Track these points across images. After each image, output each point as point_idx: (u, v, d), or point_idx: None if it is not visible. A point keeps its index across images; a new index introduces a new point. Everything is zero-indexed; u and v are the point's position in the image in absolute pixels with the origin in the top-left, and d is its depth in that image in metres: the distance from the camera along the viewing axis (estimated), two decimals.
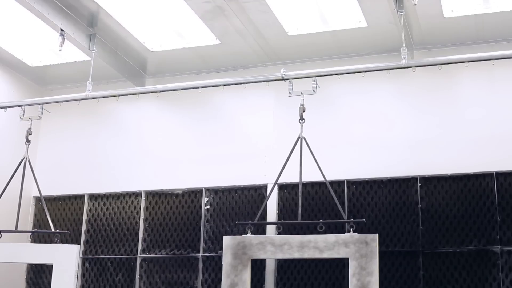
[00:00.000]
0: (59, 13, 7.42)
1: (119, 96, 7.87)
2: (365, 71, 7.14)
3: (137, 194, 8.91)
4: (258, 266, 7.99)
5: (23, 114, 7.96)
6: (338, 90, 8.22)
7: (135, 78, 8.94)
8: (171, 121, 9.02)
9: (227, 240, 6.59)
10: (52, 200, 9.25)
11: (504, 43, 7.78)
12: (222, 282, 6.44)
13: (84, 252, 8.90)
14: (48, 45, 8.26)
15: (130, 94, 7.99)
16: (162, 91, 7.83)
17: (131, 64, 8.76)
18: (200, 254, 8.36)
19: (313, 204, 8.06)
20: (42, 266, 9.03)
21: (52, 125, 9.45)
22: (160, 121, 9.05)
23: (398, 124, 7.98)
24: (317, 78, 7.08)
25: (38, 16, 7.30)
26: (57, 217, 9.19)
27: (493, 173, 7.48)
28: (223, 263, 6.49)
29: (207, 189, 8.60)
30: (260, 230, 8.00)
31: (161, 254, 8.55)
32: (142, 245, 8.68)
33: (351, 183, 8.00)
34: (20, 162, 7.72)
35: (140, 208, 8.83)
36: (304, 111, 6.98)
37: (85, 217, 9.09)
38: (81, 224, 9.08)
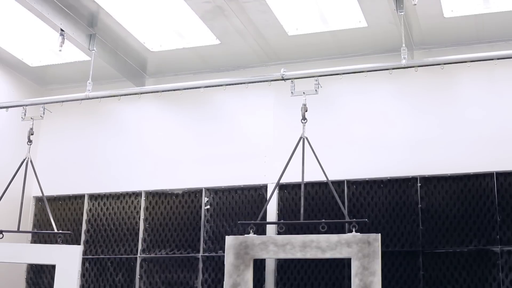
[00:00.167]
0: (59, 13, 7.41)
1: (119, 96, 7.87)
2: (365, 71, 7.14)
3: (137, 194, 8.91)
4: (258, 266, 7.98)
5: (25, 114, 7.95)
6: (337, 90, 8.22)
7: (135, 78, 8.94)
8: (171, 121, 9.02)
9: (229, 240, 6.59)
10: (52, 200, 9.24)
11: (504, 43, 7.79)
12: (224, 282, 6.44)
13: (84, 252, 8.89)
14: (48, 45, 8.25)
15: (130, 94, 7.99)
16: (163, 91, 7.82)
17: (131, 64, 8.76)
18: (200, 254, 8.37)
19: (313, 204, 8.07)
20: (42, 266, 9.03)
21: (52, 125, 9.44)
22: (160, 121, 9.05)
23: (398, 124, 7.99)
24: (317, 78, 7.08)
25: (38, 16, 7.29)
26: (57, 217, 9.18)
27: (493, 173, 7.49)
28: (225, 263, 6.48)
29: (207, 189, 8.60)
30: (260, 230, 8.00)
31: (161, 254, 8.55)
32: (142, 245, 8.68)
33: (351, 183, 8.01)
34: (22, 162, 7.71)
35: (140, 208, 8.83)
36: (306, 111, 6.97)
37: (85, 217, 9.08)
38: (81, 224, 9.07)
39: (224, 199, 8.52)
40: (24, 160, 7.72)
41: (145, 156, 8.97)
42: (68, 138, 9.46)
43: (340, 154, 8.05)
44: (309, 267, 7.90)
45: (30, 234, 9.14)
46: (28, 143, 7.78)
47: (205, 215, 8.51)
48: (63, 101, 8.05)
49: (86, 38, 7.95)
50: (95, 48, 7.97)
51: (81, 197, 9.18)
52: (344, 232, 6.49)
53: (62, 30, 7.50)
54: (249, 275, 6.38)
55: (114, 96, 7.88)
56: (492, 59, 6.84)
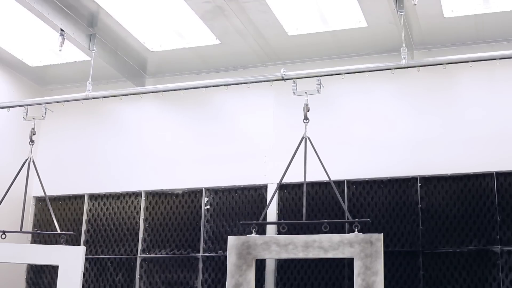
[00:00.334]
0: (59, 13, 7.41)
1: (120, 96, 7.87)
2: (365, 71, 7.14)
3: (137, 194, 8.91)
4: (258, 266, 7.97)
5: (26, 114, 7.95)
6: (337, 90, 8.23)
7: (135, 78, 8.94)
8: (171, 121, 9.02)
9: (231, 240, 6.59)
10: (52, 200, 9.22)
11: (504, 43, 7.79)
12: (226, 282, 6.44)
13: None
14: (48, 45, 8.25)
15: (130, 94, 7.99)
16: (163, 91, 7.82)
17: (131, 64, 8.76)
18: (200, 254, 8.37)
19: (313, 204, 8.07)
20: (42, 266, 9.02)
21: (52, 125, 9.42)
22: (161, 121, 9.05)
23: (398, 124, 7.99)
24: (319, 78, 7.09)
25: (38, 16, 7.29)
26: (57, 217, 9.16)
27: (493, 173, 7.49)
28: (227, 263, 6.49)
29: (207, 189, 8.60)
30: (260, 230, 8.00)
31: (161, 254, 8.55)
32: (142, 245, 8.68)
33: (351, 183, 8.01)
34: (24, 162, 7.70)
35: (140, 208, 8.83)
36: (308, 111, 6.97)
37: (85, 217, 9.08)
38: (81, 224, 9.07)
39: (224, 199, 8.52)
40: (26, 160, 7.71)
41: (145, 156, 8.97)
42: (68, 138, 9.46)
43: (340, 154, 8.06)
44: (309, 267, 7.91)
45: (30, 234, 9.13)
46: (30, 143, 7.78)
47: (205, 215, 8.51)
48: (64, 101, 8.06)
49: (86, 38, 7.94)
50: (95, 48, 7.97)
51: (81, 197, 9.18)
52: (344, 232, 6.49)
53: (62, 30, 7.50)
54: (251, 275, 6.38)
55: (114, 96, 7.89)
56: (492, 59, 6.86)
